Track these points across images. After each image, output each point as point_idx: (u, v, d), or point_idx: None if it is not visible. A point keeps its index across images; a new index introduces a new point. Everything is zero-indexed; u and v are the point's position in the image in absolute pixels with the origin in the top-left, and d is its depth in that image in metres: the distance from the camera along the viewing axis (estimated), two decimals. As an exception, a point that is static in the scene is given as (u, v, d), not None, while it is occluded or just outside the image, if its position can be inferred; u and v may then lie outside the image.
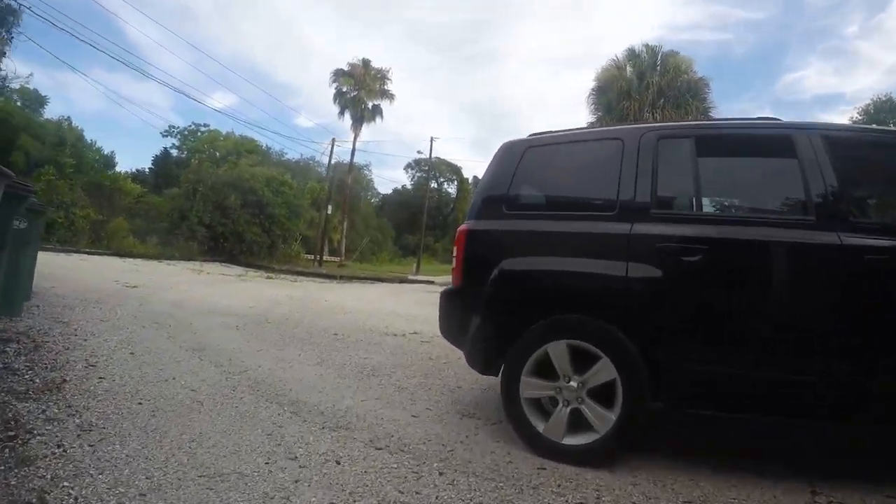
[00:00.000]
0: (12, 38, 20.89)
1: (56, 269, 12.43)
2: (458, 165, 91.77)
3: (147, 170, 46.01)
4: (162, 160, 47.90)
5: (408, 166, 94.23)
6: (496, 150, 4.10)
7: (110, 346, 5.29)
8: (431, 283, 22.35)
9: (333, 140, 39.89)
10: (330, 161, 39.45)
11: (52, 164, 21.72)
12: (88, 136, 26.97)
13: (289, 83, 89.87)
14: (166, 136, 51.68)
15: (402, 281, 24.85)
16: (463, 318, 3.80)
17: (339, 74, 42.42)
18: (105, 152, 28.35)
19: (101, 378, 4.16)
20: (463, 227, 3.92)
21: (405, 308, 11.93)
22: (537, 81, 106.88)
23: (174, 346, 5.72)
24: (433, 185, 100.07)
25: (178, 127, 53.10)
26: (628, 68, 26.46)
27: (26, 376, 3.94)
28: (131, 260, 19.92)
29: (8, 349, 4.57)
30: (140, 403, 3.68)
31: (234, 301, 10.46)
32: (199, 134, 50.48)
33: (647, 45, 26.64)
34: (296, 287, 16.66)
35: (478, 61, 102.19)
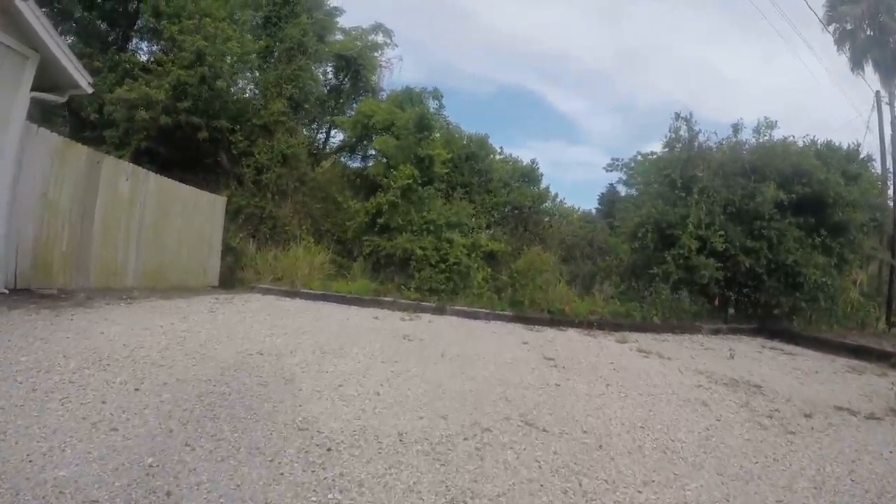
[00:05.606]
0: None
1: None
2: None
3: (593, 210, 37.07)
4: (608, 198, 38.29)
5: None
6: None
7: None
8: None
9: (878, 94, 20.86)
10: (882, 126, 20.01)
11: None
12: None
13: (717, 120, 71.17)
14: (610, 170, 41.89)
15: None
16: None
17: (834, 6, 23.58)
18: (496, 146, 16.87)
19: None
20: None
21: None
22: None
23: None
24: None
25: (623, 159, 43.20)
26: None
27: None
28: (545, 332, 7.99)
29: None
30: None
31: None
32: (647, 161, 38.93)
33: None
34: None
35: None
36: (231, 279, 11.55)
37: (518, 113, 68.16)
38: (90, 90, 7.67)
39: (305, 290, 10.15)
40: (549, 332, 8.33)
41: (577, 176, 70.28)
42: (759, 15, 62.49)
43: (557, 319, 9.53)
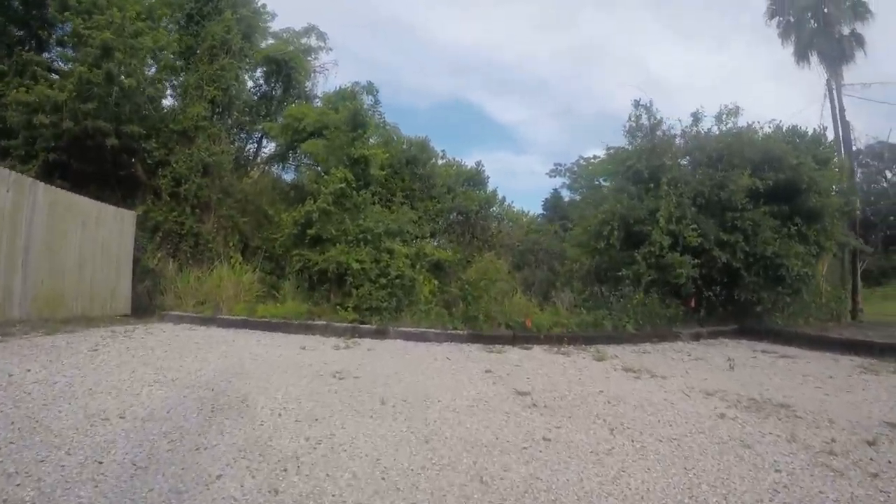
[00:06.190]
0: None
1: None
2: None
3: (538, 217, 36.26)
4: (552, 204, 37.64)
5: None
6: None
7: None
8: None
9: (829, 83, 20.12)
10: (837, 108, 18.98)
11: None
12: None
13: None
14: (553, 175, 41.20)
15: None
16: None
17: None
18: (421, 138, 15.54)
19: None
20: None
21: None
22: None
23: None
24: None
25: (566, 164, 42.29)
26: None
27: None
28: (508, 353, 6.67)
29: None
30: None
31: None
32: (590, 165, 38.18)
33: None
34: None
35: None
36: (149, 305, 9.79)
37: (462, 126, 67.62)
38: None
39: (225, 317, 8.50)
40: (513, 353, 7.00)
41: (524, 185, 70.00)
42: (703, 18, 64.34)
43: (519, 335, 8.22)
